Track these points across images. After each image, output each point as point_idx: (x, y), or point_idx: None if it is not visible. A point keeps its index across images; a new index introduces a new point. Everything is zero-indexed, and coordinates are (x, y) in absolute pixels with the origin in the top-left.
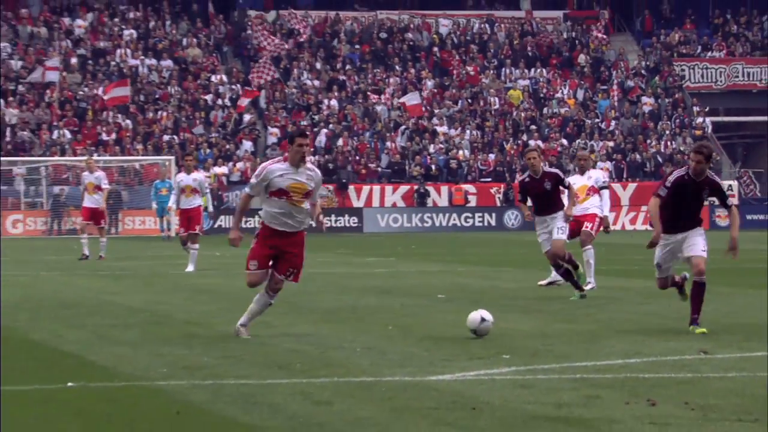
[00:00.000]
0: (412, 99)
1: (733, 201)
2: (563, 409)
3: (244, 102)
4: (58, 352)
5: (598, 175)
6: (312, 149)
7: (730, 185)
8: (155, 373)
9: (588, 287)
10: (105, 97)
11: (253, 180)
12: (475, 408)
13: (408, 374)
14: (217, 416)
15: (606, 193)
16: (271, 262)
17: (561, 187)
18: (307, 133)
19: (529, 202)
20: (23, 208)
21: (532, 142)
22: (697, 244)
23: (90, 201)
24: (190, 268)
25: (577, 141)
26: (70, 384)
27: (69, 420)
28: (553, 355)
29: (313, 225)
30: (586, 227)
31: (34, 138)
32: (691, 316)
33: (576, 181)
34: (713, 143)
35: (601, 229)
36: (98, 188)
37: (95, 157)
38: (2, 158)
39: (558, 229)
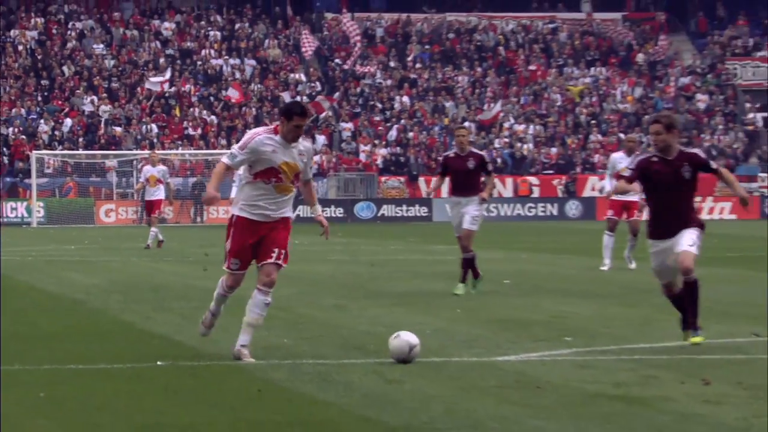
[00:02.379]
0: (491, 112)
1: (717, 164)
2: (621, 389)
3: (325, 104)
4: (148, 333)
5: None
6: (384, 142)
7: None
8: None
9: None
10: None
11: (235, 150)
12: (539, 387)
13: (475, 355)
14: (295, 393)
15: None
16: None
17: (484, 172)
18: (308, 111)
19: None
20: (115, 198)
21: (592, 137)
22: (683, 238)
23: (151, 193)
24: None
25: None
26: (159, 363)
27: (158, 396)
28: (611, 337)
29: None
30: (632, 217)
31: (125, 132)
32: (686, 319)
33: (623, 162)
34: (765, 138)
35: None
36: (159, 181)
37: (157, 151)
38: (96, 152)
39: (472, 218)
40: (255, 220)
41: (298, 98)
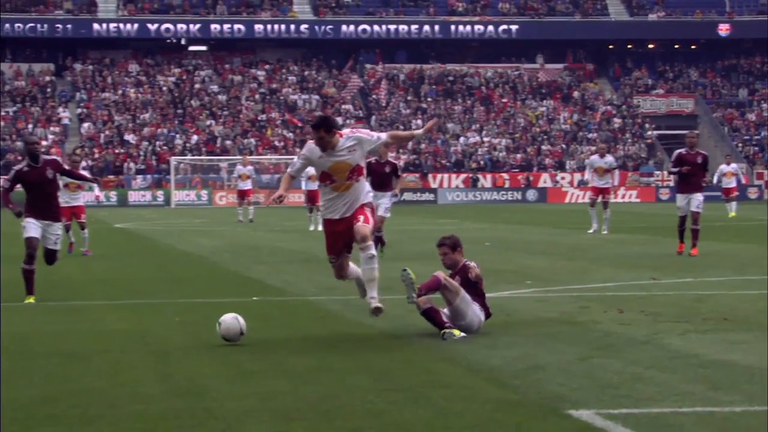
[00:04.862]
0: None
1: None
2: (565, 315)
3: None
4: (248, 278)
5: (610, 159)
6: (405, 150)
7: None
8: (308, 292)
9: (592, 232)
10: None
11: (295, 159)
12: (508, 315)
13: None
14: (346, 318)
15: (616, 171)
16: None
17: (395, 175)
18: (329, 123)
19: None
20: (225, 188)
21: (543, 147)
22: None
23: (243, 185)
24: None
25: (571, 146)
26: (254, 298)
27: (254, 321)
28: (558, 281)
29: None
30: (605, 198)
31: (232, 144)
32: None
33: (598, 162)
34: (658, 148)
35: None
36: (248, 177)
37: (249, 157)
38: (213, 157)
39: (385, 209)
40: (336, 218)
41: (348, 121)
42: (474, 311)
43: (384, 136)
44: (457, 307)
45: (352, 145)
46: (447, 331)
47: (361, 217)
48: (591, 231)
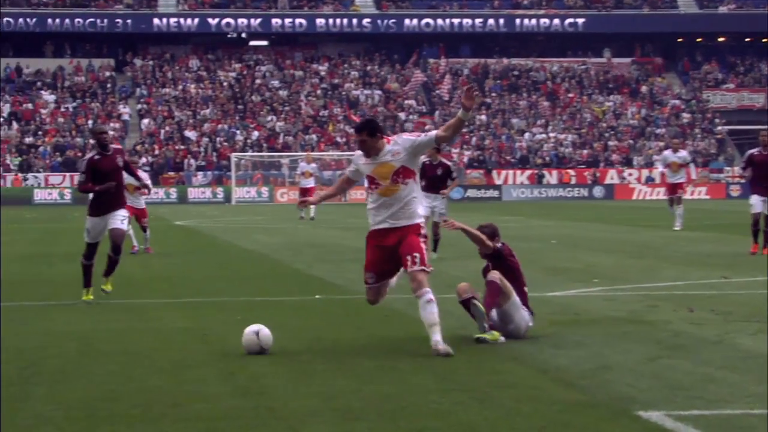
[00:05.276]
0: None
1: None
2: (634, 314)
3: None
4: (310, 276)
5: (684, 154)
6: (468, 146)
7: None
8: None
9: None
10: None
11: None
12: (576, 314)
13: (532, 291)
14: (411, 318)
15: (692, 165)
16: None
17: (449, 177)
18: (373, 127)
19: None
20: (287, 185)
21: (610, 143)
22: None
23: (306, 182)
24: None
25: (639, 142)
26: (317, 296)
27: (317, 319)
28: (627, 279)
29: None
30: (678, 193)
31: (294, 140)
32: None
33: (671, 157)
34: (728, 143)
35: (687, 187)
36: (311, 174)
37: (312, 153)
38: (274, 154)
39: (440, 213)
40: (382, 228)
41: (411, 117)
42: (522, 315)
43: (433, 133)
44: (506, 311)
45: (395, 149)
46: (481, 335)
47: (417, 258)
48: (677, 228)
